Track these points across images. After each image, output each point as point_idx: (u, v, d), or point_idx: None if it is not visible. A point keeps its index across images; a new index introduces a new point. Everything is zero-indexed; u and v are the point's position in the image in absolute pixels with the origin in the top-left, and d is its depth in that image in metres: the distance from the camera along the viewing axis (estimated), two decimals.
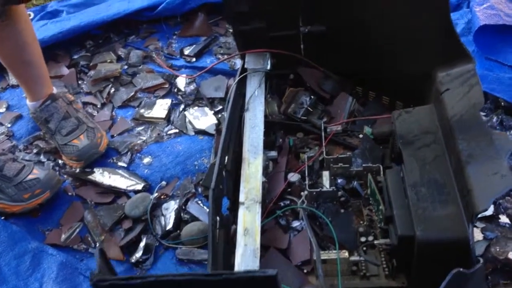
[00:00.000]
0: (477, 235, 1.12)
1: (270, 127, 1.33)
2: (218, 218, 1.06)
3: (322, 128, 1.28)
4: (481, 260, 0.81)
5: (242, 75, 1.35)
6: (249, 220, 1.06)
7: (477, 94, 0.98)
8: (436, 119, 1.10)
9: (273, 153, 1.28)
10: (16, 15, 1.31)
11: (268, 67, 1.37)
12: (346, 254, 1.02)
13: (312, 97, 1.36)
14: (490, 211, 1.15)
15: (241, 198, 1.10)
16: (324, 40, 1.38)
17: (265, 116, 1.33)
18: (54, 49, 1.79)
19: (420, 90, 1.21)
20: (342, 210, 1.15)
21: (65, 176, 1.40)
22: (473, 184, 0.88)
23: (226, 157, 1.18)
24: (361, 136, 1.30)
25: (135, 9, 1.81)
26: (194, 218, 1.25)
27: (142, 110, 1.55)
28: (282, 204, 1.19)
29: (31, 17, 1.91)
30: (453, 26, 1.07)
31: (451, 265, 0.85)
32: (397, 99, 1.35)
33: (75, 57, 1.78)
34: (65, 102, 1.45)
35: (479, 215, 1.07)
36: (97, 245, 1.23)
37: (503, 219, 1.14)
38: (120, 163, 1.42)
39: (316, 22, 1.36)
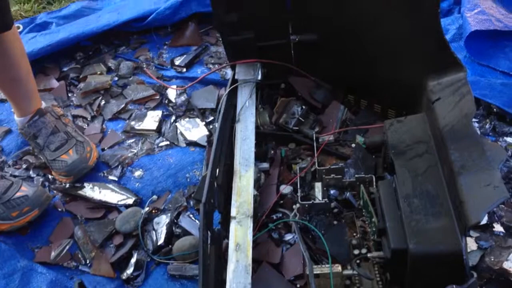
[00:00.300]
0: (471, 244, 1.11)
1: (262, 138, 1.32)
2: (209, 233, 1.04)
3: (314, 138, 1.27)
4: (475, 275, 0.79)
5: (233, 86, 1.34)
6: (240, 235, 1.04)
7: (469, 103, 0.97)
8: (428, 128, 1.09)
9: (265, 165, 1.27)
10: (4, 34, 1.28)
11: (259, 77, 1.36)
12: (339, 268, 1.00)
13: (304, 106, 1.35)
14: (484, 220, 1.14)
15: (233, 212, 1.08)
16: (315, 49, 1.37)
17: (257, 127, 1.31)
18: (44, 62, 1.78)
19: (412, 98, 1.20)
20: (335, 222, 1.13)
21: (55, 191, 1.38)
22: (465, 195, 0.87)
23: (217, 170, 1.17)
24: (353, 145, 1.29)
25: (124, 20, 1.79)
26: (186, 232, 1.24)
27: (132, 122, 1.54)
28: (274, 217, 1.17)
29: (20, 30, 1.90)
30: (443, 35, 1.05)
31: (445, 278, 0.84)
32: (389, 107, 1.34)
33: (65, 69, 1.76)
34: (54, 116, 1.44)
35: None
36: (88, 261, 1.21)
37: (498, 228, 1.13)
38: (110, 177, 1.40)
39: (306, 31, 1.35)
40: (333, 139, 1.30)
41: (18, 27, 1.91)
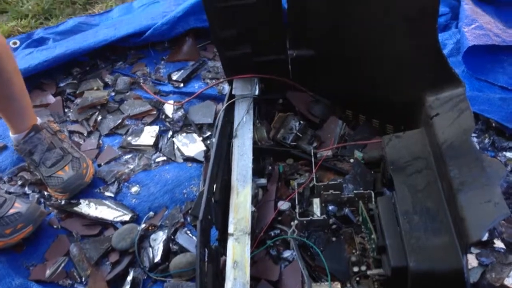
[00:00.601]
0: (472, 261, 1.10)
1: (259, 153, 1.31)
2: (206, 250, 1.03)
3: (312, 153, 1.26)
4: None
5: (230, 101, 1.33)
6: (238, 252, 1.03)
7: (468, 119, 0.96)
8: (427, 143, 1.08)
9: (263, 181, 1.26)
10: None
11: (256, 92, 1.35)
12: (339, 285, 0.99)
13: (302, 122, 1.34)
14: (484, 236, 1.12)
15: (230, 229, 1.07)
16: (313, 64, 1.37)
17: (254, 143, 1.30)
18: (40, 78, 1.77)
19: (411, 113, 1.20)
20: (334, 239, 1.12)
21: (50, 208, 1.36)
22: (465, 212, 0.86)
23: (215, 186, 1.15)
24: (352, 161, 1.28)
25: (122, 35, 1.78)
26: (183, 249, 1.22)
27: (129, 138, 1.53)
28: (272, 233, 1.16)
29: (16, 45, 1.90)
30: (441, 50, 1.05)
31: None
32: (388, 123, 1.34)
33: (62, 85, 1.75)
34: (49, 132, 1.43)
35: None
36: (83, 279, 1.19)
37: (498, 244, 1.12)
38: (107, 193, 1.39)
39: (304, 46, 1.35)
40: (331, 155, 1.29)
41: (15, 43, 1.91)
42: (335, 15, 1.22)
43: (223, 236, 1.10)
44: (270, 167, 1.28)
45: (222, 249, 1.09)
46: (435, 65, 1.06)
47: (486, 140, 1.37)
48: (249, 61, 1.36)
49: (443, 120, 1.03)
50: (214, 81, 1.68)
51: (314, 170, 1.21)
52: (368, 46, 1.20)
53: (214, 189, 1.15)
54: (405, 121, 1.24)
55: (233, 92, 1.34)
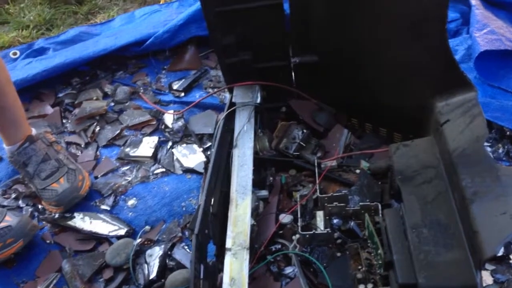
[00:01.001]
0: (487, 278, 1.02)
1: (261, 164, 1.25)
2: (202, 266, 0.97)
3: (316, 164, 1.20)
4: None
5: (230, 110, 1.27)
6: (236, 269, 0.96)
7: (480, 125, 0.90)
8: (437, 151, 1.02)
9: (264, 192, 1.19)
10: None
11: (258, 100, 1.30)
12: None
13: (305, 131, 1.28)
14: (500, 251, 1.05)
15: (228, 243, 1.01)
16: (317, 71, 1.31)
17: (256, 153, 1.25)
18: (39, 88, 1.73)
19: (419, 120, 1.13)
20: (339, 254, 1.05)
21: (44, 222, 1.31)
22: (479, 225, 0.79)
23: (212, 199, 1.10)
24: (358, 171, 1.21)
25: (122, 44, 1.74)
26: (180, 265, 1.16)
27: (127, 149, 1.48)
28: (273, 248, 1.09)
29: (16, 56, 1.86)
30: (451, 53, 0.99)
31: None
32: (395, 131, 1.27)
33: (60, 95, 1.71)
34: (45, 143, 1.38)
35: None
36: None
37: None
38: (103, 206, 1.33)
39: (307, 53, 1.30)
40: (336, 165, 1.22)
41: (15, 53, 1.88)
42: (339, 20, 1.17)
43: (221, 251, 1.04)
44: (271, 178, 1.22)
45: (220, 265, 1.03)
46: (445, 69, 1.00)
47: (500, 150, 1.30)
48: (250, 68, 1.30)
49: (454, 127, 0.96)
50: (215, 89, 1.63)
51: (317, 181, 1.15)
52: (373, 51, 1.15)
53: (212, 201, 1.10)
54: (414, 129, 1.17)
55: (233, 100, 1.29)
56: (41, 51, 1.88)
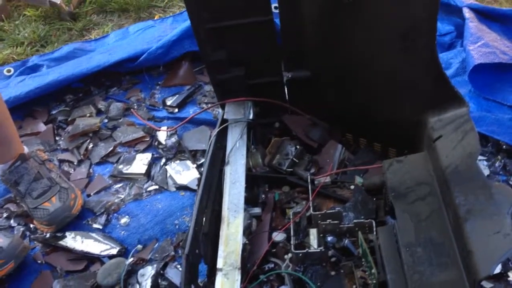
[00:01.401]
0: None
1: (254, 181, 1.23)
2: (193, 287, 0.95)
3: (309, 180, 1.18)
4: None
5: (222, 126, 1.26)
6: None
7: (473, 141, 0.89)
8: (431, 168, 1.01)
9: (257, 210, 1.18)
10: None
11: (251, 116, 1.28)
12: None
13: (298, 147, 1.26)
14: (498, 268, 1.03)
15: (219, 263, 0.99)
16: (310, 86, 1.30)
17: (249, 169, 1.23)
18: (33, 105, 1.71)
19: (413, 136, 1.12)
20: (333, 273, 1.03)
21: (35, 242, 1.29)
22: (473, 245, 0.77)
23: (204, 218, 1.08)
24: (352, 187, 1.20)
25: (115, 60, 1.73)
26: (172, 285, 1.15)
27: (120, 166, 1.46)
28: (266, 267, 1.07)
29: (10, 73, 1.85)
30: (441, 68, 0.98)
31: None
32: (390, 146, 1.26)
33: (54, 112, 1.70)
34: (37, 162, 1.36)
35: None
36: None
37: None
38: (95, 225, 1.32)
39: (299, 68, 1.29)
40: (329, 181, 1.20)
41: (9, 71, 1.87)
42: (331, 35, 1.16)
43: (213, 271, 1.02)
44: (263, 196, 1.21)
45: (211, 285, 1.01)
46: (436, 83, 0.99)
47: (497, 164, 1.29)
48: (242, 84, 1.29)
49: (446, 143, 0.95)
50: (209, 105, 1.62)
51: (311, 198, 1.13)
52: (365, 65, 1.14)
53: (204, 220, 1.08)
54: (408, 144, 1.16)
55: (225, 117, 1.28)
56: (35, 68, 1.87)
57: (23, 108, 1.70)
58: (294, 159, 1.25)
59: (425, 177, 0.99)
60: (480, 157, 1.30)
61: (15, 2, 2.31)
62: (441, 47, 1.70)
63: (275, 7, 1.23)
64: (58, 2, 2.13)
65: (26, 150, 1.38)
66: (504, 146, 1.30)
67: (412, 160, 1.04)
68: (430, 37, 0.97)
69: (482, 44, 1.50)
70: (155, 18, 2.05)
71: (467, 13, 1.66)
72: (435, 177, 0.98)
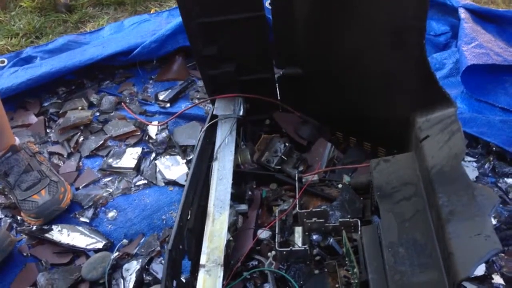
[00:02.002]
0: None
1: (242, 177, 1.23)
2: (175, 283, 0.95)
3: (297, 178, 1.18)
4: None
5: (212, 122, 1.26)
6: (209, 286, 0.94)
7: (458, 142, 0.88)
8: (417, 168, 1.00)
9: (243, 207, 1.18)
10: None
11: (241, 112, 1.28)
12: None
13: (287, 144, 1.26)
14: (481, 270, 1.03)
15: (202, 259, 0.99)
16: (301, 83, 1.30)
17: (237, 166, 1.23)
18: (25, 97, 1.71)
19: (402, 135, 1.11)
20: (317, 271, 1.03)
21: (21, 234, 1.29)
22: (454, 246, 0.77)
23: (190, 213, 1.08)
24: (340, 186, 1.19)
25: (109, 53, 1.72)
26: (157, 281, 1.14)
27: (110, 160, 1.46)
28: (250, 264, 1.07)
29: (4, 64, 1.85)
30: (430, 68, 0.97)
31: None
32: (379, 145, 1.25)
33: (46, 104, 1.69)
34: (28, 154, 1.36)
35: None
36: None
37: (497, 279, 1.02)
38: (82, 218, 1.31)
39: (291, 65, 1.28)
40: (317, 179, 1.20)
41: (3, 61, 1.86)
42: (322, 33, 1.15)
43: (196, 268, 1.02)
44: (250, 193, 1.20)
45: (194, 281, 1.00)
46: (424, 84, 0.99)
47: (486, 165, 1.28)
48: (233, 80, 1.29)
49: (433, 143, 0.94)
50: (201, 100, 1.61)
51: (297, 196, 1.13)
52: (356, 64, 1.13)
53: (189, 215, 1.08)
54: (397, 144, 1.16)
55: (215, 112, 1.27)
56: (29, 60, 1.86)
57: (15, 100, 1.69)
58: (283, 157, 1.24)
59: (411, 177, 0.99)
60: (469, 159, 1.29)
61: None
62: (436, 47, 1.69)
63: (269, 3, 1.22)
64: None
65: (17, 141, 1.38)
66: (494, 148, 1.29)
67: (399, 160, 1.04)
68: (420, 36, 0.96)
69: (476, 45, 1.49)
70: (151, 12, 2.05)
71: (462, 13, 1.65)
72: (420, 178, 0.97)
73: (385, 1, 0.98)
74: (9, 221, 1.33)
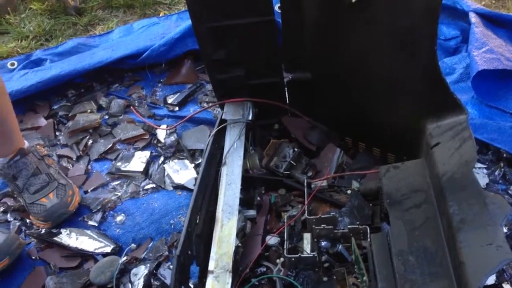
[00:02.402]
0: None
1: (250, 182, 1.23)
2: None
3: (306, 183, 1.17)
4: None
5: (220, 126, 1.25)
6: None
7: (470, 150, 0.87)
8: (427, 175, 0.99)
9: (252, 212, 1.17)
10: None
11: (250, 117, 1.28)
12: None
13: (296, 149, 1.25)
14: (492, 279, 1.02)
15: (211, 265, 0.99)
16: (310, 88, 1.29)
17: (246, 171, 1.23)
18: (34, 99, 1.71)
19: (412, 142, 1.11)
20: (325, 278, 1.02)
21: (30, 237, 1.29)
22: (465, 255, 0.76)
23: (198, 219, 1.07)
24: (349, 192, 1.19)
25: (118, 57, 1.72)
26: (165, 285, 1.14)
27: (119, 163, 1.46)
28: (259, 271, 1.07)
29: (14, 67, 1.85)
30: (441, 74, 0.96)
31: None
32: (389, 151, 1.25)
33: (55, 107, 1.69)
34: (36, 157, 1.36)
35: None
36: None
37: None
38: (90, 222, 1.31)
39: (300, 69, 1.28)
40: (326, 185, 1.19)
41: (13, 64, 1.86)
42: (332, 38, 1.15)
43: (204, 273, 1.01)
44: (258, 198, 1.19)
45: (202, 287, 1.00)
46: (435, 90, 0.98)
47: (497, 172, 1.27)
48: (242, 84, 1.29)
49: (443, 150, 0.94)
50: (210, 104, 1.61)
51: (306, 202, 1.12)
52: (364, 68, 1.13)
53: (198, 221, 1.08)
54: (407, 150, 1.15)
55: (224, 117, 1.27)
56: (38, 62, 1.86)
57: (25, 102, 1.69)
58: (292, 162, 1.24)
59: (422, 184, 0.98)
60: (480, 165, 1.28)
61: None
62: (446, 52, 1.68)
63: (279, 7, 1.21)
64: None
65: (26, 144, 1.38)
66: (504, 155, 1.28)
67: (409, 166, 1.03)
68: (431, 42, 0.95)
69: (486, 50, 1.48)
70: (160, 15, 2.05)
71: (473, 17, 1.64)
72: (431, 185, 0.96)
73: (395, 6, 0.97)
74: (18, 224, 1.33)
